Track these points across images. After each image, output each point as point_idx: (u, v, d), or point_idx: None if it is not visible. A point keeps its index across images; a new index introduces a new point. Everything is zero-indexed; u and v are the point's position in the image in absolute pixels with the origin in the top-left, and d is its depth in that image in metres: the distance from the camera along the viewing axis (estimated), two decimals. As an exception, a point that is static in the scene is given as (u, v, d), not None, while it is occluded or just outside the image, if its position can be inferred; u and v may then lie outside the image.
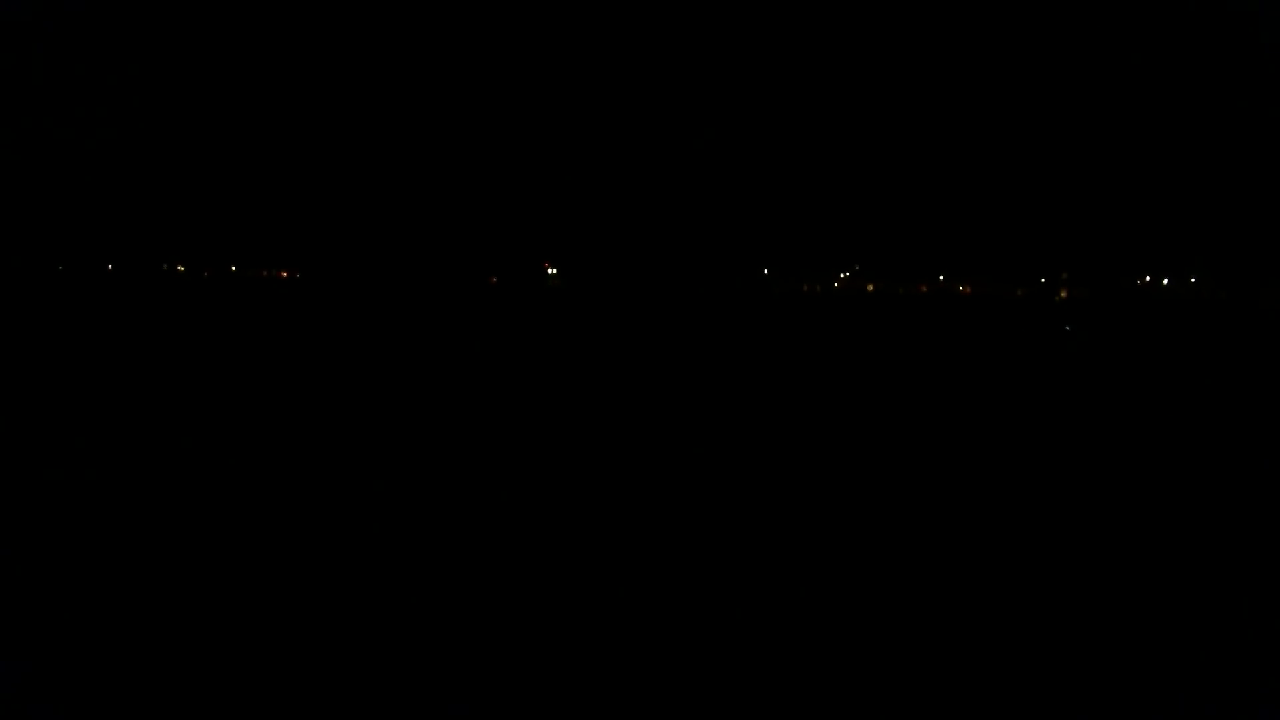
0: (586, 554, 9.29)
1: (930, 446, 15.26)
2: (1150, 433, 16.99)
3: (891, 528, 10.34)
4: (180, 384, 21.25)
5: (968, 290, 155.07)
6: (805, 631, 7.60)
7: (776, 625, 7.68)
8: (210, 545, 9.41)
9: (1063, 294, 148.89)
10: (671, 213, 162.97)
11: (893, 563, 9.14)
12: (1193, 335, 51.32)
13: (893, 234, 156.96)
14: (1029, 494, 11.99)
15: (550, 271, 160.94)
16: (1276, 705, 6.54)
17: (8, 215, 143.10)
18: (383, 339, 37.75)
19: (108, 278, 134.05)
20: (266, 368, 25.28)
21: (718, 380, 24.18)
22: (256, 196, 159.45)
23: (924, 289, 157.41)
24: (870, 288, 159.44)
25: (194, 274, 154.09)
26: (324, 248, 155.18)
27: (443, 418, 17.15)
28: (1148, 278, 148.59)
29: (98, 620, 7.49)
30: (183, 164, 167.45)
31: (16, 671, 6.56)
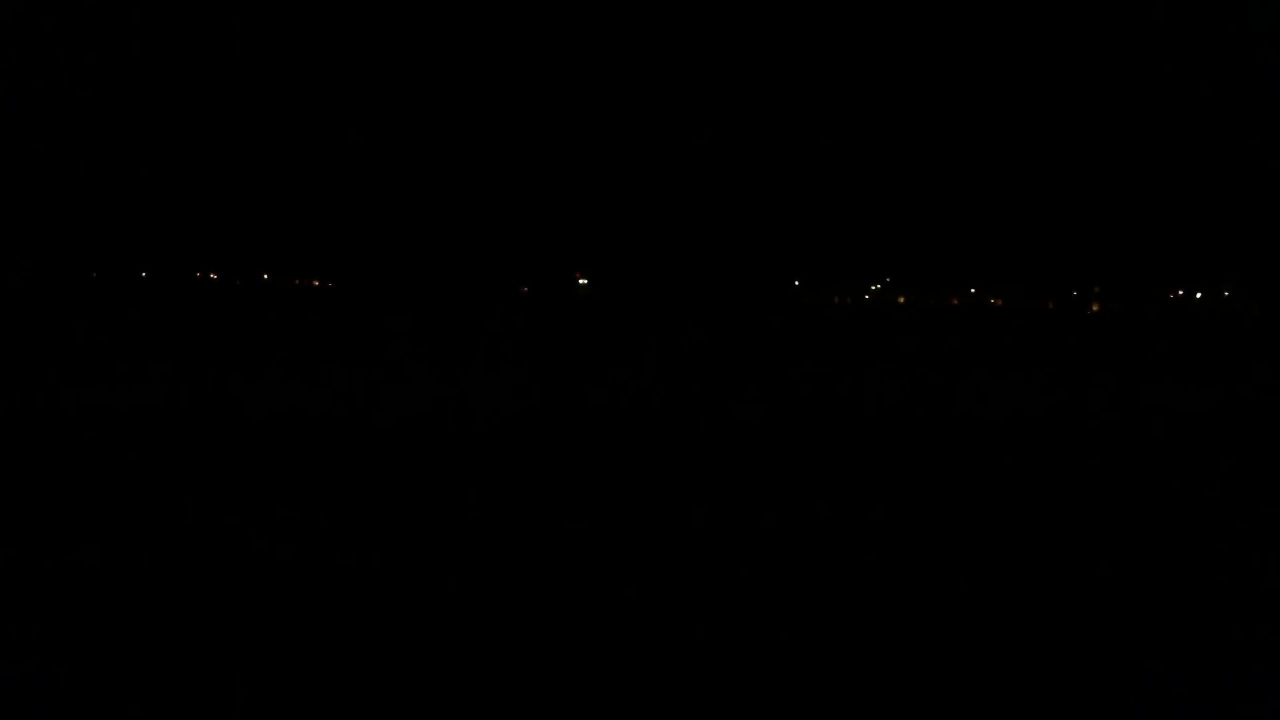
0: (608, 563, 9.45)
1: (957, 459, 15.32)
2: (1183, 448, 16.97)
3: (920, 540, 10.42)
4: (213, 388, 21.53)
5: (999, 303, 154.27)
6: (827, 636, 7.74)
7: (797, 633, 7.82)
8: (231, 552, 9.61)
9: (1094, 307, 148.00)
10: (703, 224, 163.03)
11: (920, 575, 9.22)
12: (1225, 348, 50.97)
13: (924, 246, 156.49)
14: (1061, 510, 12.04)
15: (581, 281, 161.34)
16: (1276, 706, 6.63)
17: (44, 223, 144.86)
18: (413, 346, 38.03)
19: (142, 285, 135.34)
20: (295, 375, 25.56)
21: (748, 390, 24.29)
22: (290, 206, 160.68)
23: (955, 301, 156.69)
24: (901, 299, 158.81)
25: (226, 281, 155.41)
26: (356, 257, 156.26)
27: (471, 426, 17.34)
28: (1180, 291, 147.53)
29: (142, 621, 7.70)
30: (218, 174, 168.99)
31: (16, 672, 6.69)
